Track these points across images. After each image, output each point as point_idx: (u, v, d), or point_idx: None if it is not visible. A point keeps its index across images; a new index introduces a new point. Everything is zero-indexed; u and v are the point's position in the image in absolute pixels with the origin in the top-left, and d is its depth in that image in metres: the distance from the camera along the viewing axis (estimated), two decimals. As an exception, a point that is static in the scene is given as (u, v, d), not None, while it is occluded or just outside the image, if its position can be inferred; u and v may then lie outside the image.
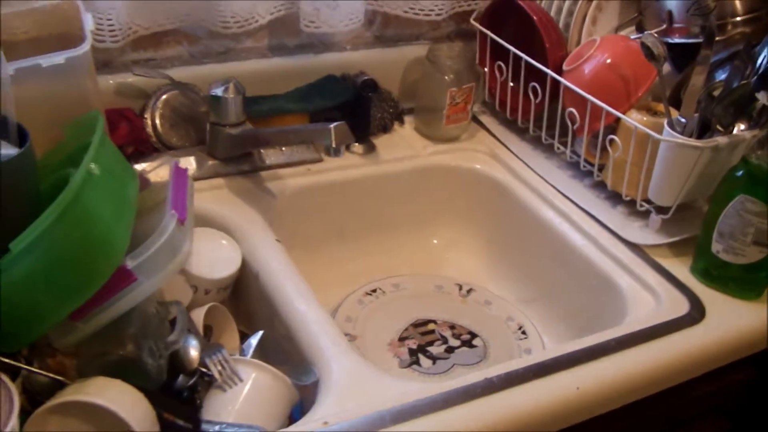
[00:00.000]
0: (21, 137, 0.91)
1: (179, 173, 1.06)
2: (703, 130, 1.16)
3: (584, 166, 1.35)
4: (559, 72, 1.33)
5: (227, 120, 1.24)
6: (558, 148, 1.39)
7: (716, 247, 1.13)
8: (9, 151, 0.86)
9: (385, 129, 1.46)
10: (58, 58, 0.99)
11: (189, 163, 1.25)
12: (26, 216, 0.81)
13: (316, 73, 1.42)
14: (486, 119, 1.53)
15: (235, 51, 1.39)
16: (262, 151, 1.31)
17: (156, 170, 1.17)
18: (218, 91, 1.22)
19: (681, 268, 1.19)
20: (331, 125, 1.08)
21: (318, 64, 1.43)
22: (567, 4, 1.43)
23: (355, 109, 1.38)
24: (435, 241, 1.47)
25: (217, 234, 1.15)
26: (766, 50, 1.17)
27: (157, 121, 1.26)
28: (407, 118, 1.51)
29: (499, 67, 1.44)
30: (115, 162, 0.97)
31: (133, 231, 0.92)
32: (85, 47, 1.01)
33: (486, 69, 1.49)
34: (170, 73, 1.29)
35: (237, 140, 1.25)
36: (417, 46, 1.52)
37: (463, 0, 1.49)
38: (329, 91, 1.39)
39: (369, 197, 1.39)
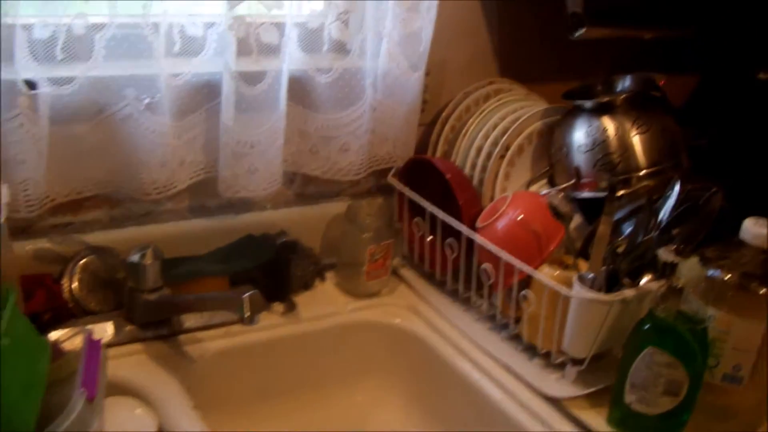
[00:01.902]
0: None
1: (92, 345, 1.05)
2: (612, 283, 1.20)
3: (501, 320, 1.38)
4: (474, 228, 1.37)
5: (145, 286, 1.24)
6: (475, 302, 1.42)
7: (629, 398, 1.15)
8: None
9: (307, 286, 1.47)
10: (-30, 231, 1.00)
11: (106, 328, 1.24)
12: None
13: (236, 232, 1.44)
14: (406, 273, 1.56)
15: (155, 213, 1.40)
16: (181, 314, 1.31)
17: (71, 339, 1.16)
18: (135, 258, 1.22)
19: (598, 420, 1.20)
20: (245, 295, 1.10)
21: (238, 224, 1.45)
22: (481, 160, 1.48)
23: (275, 269, 1.39)
24: (359, 398, 1.46)
25: (132, 403, 1.13)
26: (666, 204, 1.23)
27: (75, 286, 1.26)
28: (329, 274, 1.52)
29: (417, 222, 1.48)
30: (26, 336, 0.96)
31: (47, 403, 0.91)
32: (-1, 220, 1.02)
33: (405, 224, 1.53)
34: (89, 238, 1.30)
35: (154, 306, 1.24)
36: (338, 203, 1.56)
37: (380, 158, 1.53)
38: (249, 251, 1.40)
39: (291, 356, 1.38)
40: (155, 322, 1.27)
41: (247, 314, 1.10)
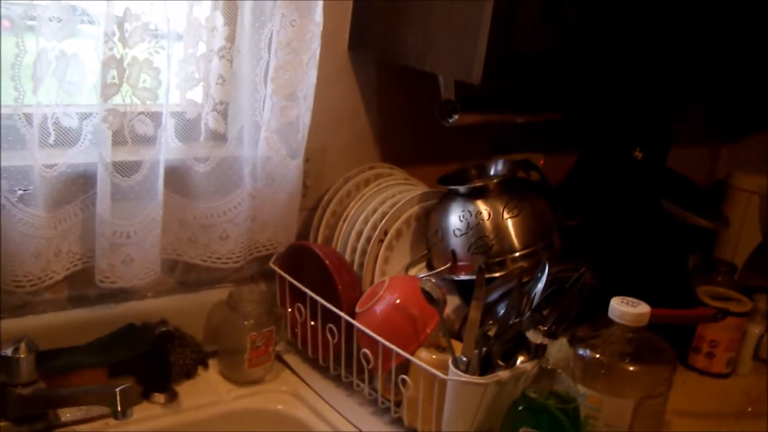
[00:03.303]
0: None
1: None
2: (486, 365, 1.22)
3: (383, 403, 1.38)
4: (353, 313, 1.38)
5: (18, 380, 1.21)
6: (357, 386, 1.43)
7: (508, 479, 1.17)
8: None
9: (189, 375, 1.45)
10: None
11: (-24, 427, 1.21)
12: None
13: (117, 322, 1.42)
14: (290, 358, 1.55)
15: (33, 304, 1.37)
16: (57, 408, 1.28)
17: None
18: (8, 352, 1.20)
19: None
20: (117, 389, 1.08)
21: (119, 314, 1.43)
22: (360, 244, 1.51)
23: (154, 359, 1.38)
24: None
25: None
26: (537, 286, 1.26)
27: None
28: (212, 361, 1.51)
29: (299, 308, 1.48)
30: None
31: None
32: None
33: (287, 310, 1.53)
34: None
35: (28, 401, 1.21)
36: (220, 290, 1.55)
37: (261, 245, 1.54)
38: (129, 341, 1.38)
39: (172, 449, 1.36)
40: (30, 417, 1.24)
41: (119, 409, 1.08)
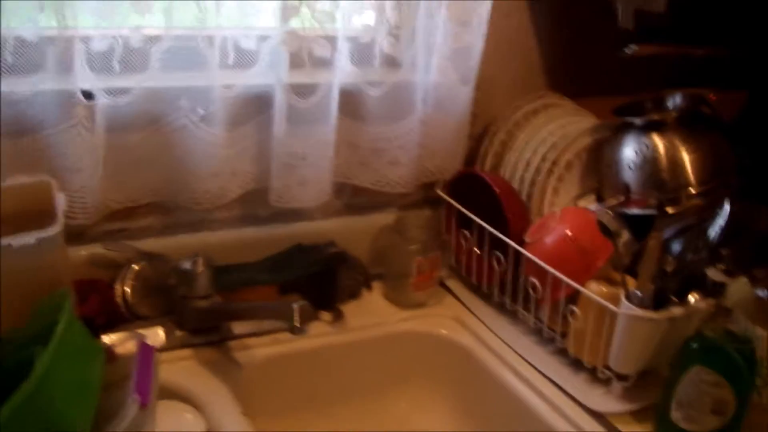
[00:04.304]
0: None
1: (145, 351, 1.07)
2: (659, 301, 1.19)
3: (547, 333, 1.38)
4: (522, 242, 1.37)
5: (195, 293, 1.26)
6: (522, 315, 1.42)
7: (675, 415, 1.14)
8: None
9: (354, 296, 1.49)
10: (29, 238, 1.02)
11: (157, 333, 1.27)
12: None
13: (286, 241, 1.46)
14: (453, 284, 1.56)
15: (207, 221, 1.43)
16: (230, 320, 1.33)
17: (123, 343, 1.19)
18: (187, 266, 1.25)
19: (643, 436, 1.20)
20: (295, 305, 1.11)
21: (288, 233, 1.47)
22: (529, 175, 1.49)
23: (323, 280, 1.41)
24: (403, 406, 1.47)
25: (182, 407, 1.15)
26: (716, 224, 1.22)
27: (127, 291, 1.28)
28: (376, 284, 1.54)
29: (465, 235, 1.48)
30: (80, 342, 0.98)
31: (99, 406, 0.93)
32: (56, 228, 1.04)
33: (452, 236, 1.53)
34: (142, 244, 1.33)
35: (205, 313, 1.27)
36: (386, 214, 1.57)
37: (428, 171, 1.54)
38: (299, 261, 1.42)
39: (337, 364, 1.40)
40: (205, 329, 1.30)
41: (297, 324, 1.11)
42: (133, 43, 1.21)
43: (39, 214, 1.11)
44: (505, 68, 1.64)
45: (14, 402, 0.80)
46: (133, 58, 1.22)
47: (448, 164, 1.56)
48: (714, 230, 1.22)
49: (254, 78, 1.32)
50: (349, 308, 1.46)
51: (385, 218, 1.56)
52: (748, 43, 1.76)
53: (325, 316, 1.42)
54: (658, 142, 1.40)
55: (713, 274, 1.15)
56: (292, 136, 1.35)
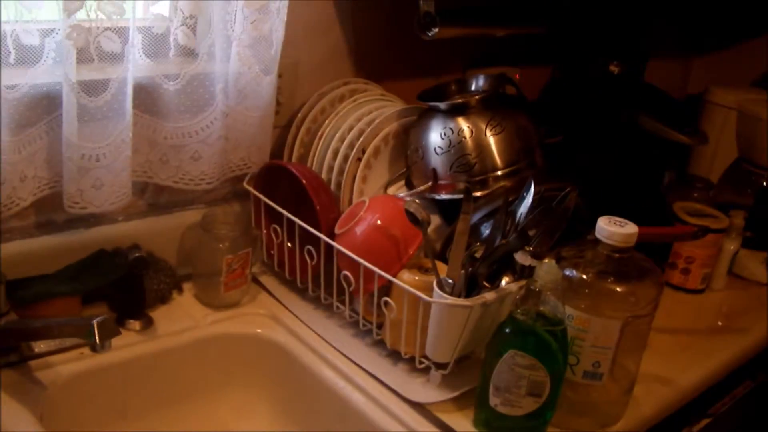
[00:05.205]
0: None
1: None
2: (471, 286, 1.20)
3: (364, 325, 1.36)
4: (332, 233, 1.35)
5: (-13, 311, 1.17)
6: (337, 308, 1.40)
7: (494, 400, 1.15)
8: None
9: (164, 300, 1.42)
10: None
11: (-54, 358, 1.17)
12: None
13: (88, 248, 1.37)
14: (266, 280, 1.53)
15: (-1, 231, 1.33)
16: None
17: None
18: (-24, 283, 1.15)
19: (464, 422, 1.20)
20: (94, 321, 1.05)
21: (89, 239, 1.38)
22: (337, 163, 1.47)
23: (128, 285, 1.34)
24: (223, 411, 1.43)
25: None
26: (522, 206, 1.23)
27: None
28: (186, 285, 1.48)
29: (275, 229, 1.45)
30: None
31: None
32: None
33: (263, 231, 1.49)
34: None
35: (0, 334, 1.18)
36: (193, 211, 1.51)
37: (234, 165, 1.49)
38: (101, 268, 1.34)
39: (150, 374, 1.33)
40: (2, 349, 1.20)
41: (97, 341, 1.05)
42: None
43: None
44: (309, 53, 1.60)
45: None
46: None
47: (254, 156, 1.51)
48: (520, 212, 1.23)
49: (40, 76, 1.23)
50: (158, 313, 1.39)
51: (191, 216, 1.49)
52: (550, 21, 1.81)
53: (133, 324, 1.35)
54: (463, 125, 1.41)
55: (521, 257, 1.16)
56: (84, 136, 1.27)
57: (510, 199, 1.28)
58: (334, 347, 1.35)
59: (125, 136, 1.30)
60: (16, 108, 1.21)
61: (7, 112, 1.20)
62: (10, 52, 1.19)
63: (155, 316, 1.38)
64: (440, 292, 1.17)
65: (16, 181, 1.26)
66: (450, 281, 1.18)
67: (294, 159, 1.55)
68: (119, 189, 1.34)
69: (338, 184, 1.46)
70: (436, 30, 1.52)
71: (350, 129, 1.48)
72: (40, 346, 1.24)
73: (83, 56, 1.23)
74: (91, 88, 1.25)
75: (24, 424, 1.10)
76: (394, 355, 1.31)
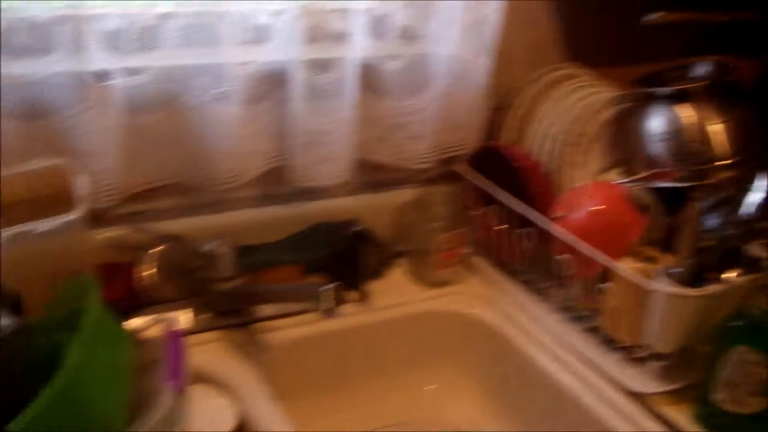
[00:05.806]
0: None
1: (174, 336, 1.04)
2: (697, 277, 1.16)
3: (578, 311, 1.35)
4: (548, 217, 1.34)
5: (219, 275, 1.23)
6: (551, 293, 1.39)
7: (717, 396, 1.12)
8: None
9: (378, 274, 1.46)
10: (53, 223, 1.00)
11: (182, 316, 1.24)
12: (21, 384, 0.80)
13: (307, 220, 1.43)
14: (479, 262, 1.53)
15: (228, 201, 1.39)
16: (255, 301, 1.30)
17: (149, 328, 1.15)
18: (210, 248, 1.22)
19: (682, 416, 1.17)
20: (321, 288, 1.09)
21: (309, 212, 1.44)
22: (552, 148, 1.45)
23: (347, 258, 1.38)
24: (431, 387, 1.45)
25: (213, 392, 1.13)
26: (752, 198, 1.19)
27: (151, 274, 1.25)
28: (399, 262, 1.51)
29: (490, 211, 1.45)
30: (108, 328, 0.95)
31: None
32: (79, 211, 1.01)
33: (476, 212, 1.50)
34: (163, 225, 1.30)
35: (229, 296, 1.24)
36: (408, 190, 1.54)
37: (449, 145, 1.51)
38: (322, 239, 1.39)
39: (364, 345, 1.38)
40: (231, 311, 1.27)
41: (331, 306, 1.09)
42: (146, 21, 1.17)
43: (51, 199, 1.09)
44: (522, 39, 1.59)
45: (50, 393, 0.77)
46: (146, 36, 1.19)
47: (467, 138, 1.52)
48: (749, 204, 1.18)
49: (270, 54, 1.28)
50: (373, 288, 1.43)
51: (406, 194, 1.53)
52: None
53: (350, 296, 1.39)
54: (687, 113, 1.36)
55: (753, 249, 1.12)
56: (311, 113, 1.32)
57: (738, 190, 1.23)
58: (548, 331, 1.35)
59: (349, 115, 1.34)
60: (247, 83, 1.27)
61: (239, 87, 1.26)
62: (243, 31, 1.25)
63: (370, 290, 1.41)
64: (668, 281, 1.14)
65: (246, 153, 1.32)
66: (677, 270, 1.15)
67: (507, 142, 1.54)
68: (341, 164, 1.38)
69: (552, 170, 1.44)
70: (659, 14, 1.47)
71: (566, 113, 1.46)
72: (265, 310, 1.30)
73: (311, 36, 1.28)
74: (317, 66, 1.30)
75: (251, 383, 1.16)
76: (610, 343, 1.29)
